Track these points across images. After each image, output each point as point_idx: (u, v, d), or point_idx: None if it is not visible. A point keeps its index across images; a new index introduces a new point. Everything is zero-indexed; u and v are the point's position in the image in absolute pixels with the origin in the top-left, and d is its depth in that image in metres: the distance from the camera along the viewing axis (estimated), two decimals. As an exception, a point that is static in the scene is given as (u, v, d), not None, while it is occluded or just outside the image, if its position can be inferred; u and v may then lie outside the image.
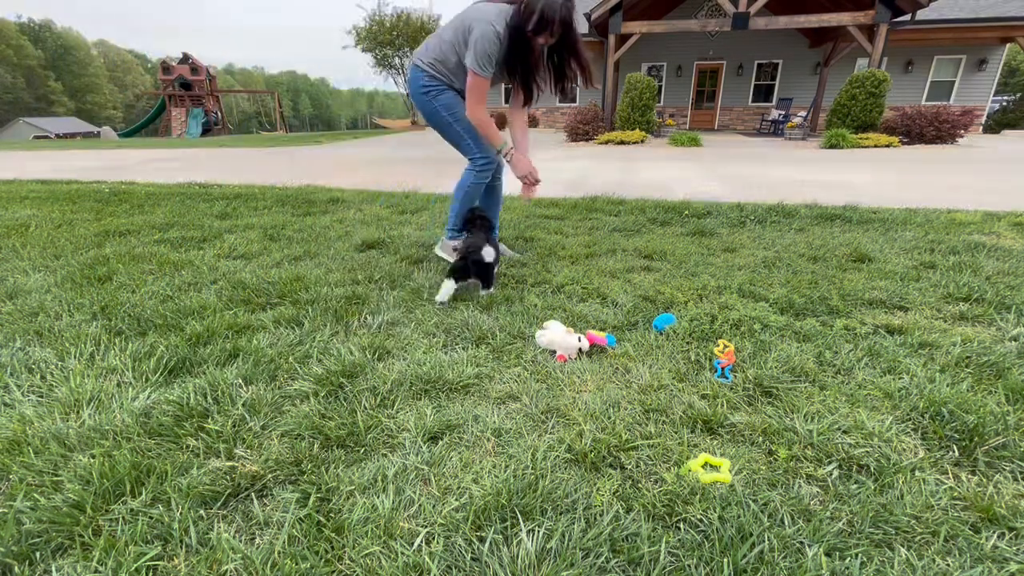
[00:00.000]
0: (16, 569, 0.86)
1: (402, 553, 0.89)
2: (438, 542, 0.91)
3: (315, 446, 1.16)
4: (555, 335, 1.59)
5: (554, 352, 1.59)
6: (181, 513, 0.96)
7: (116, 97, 65.38)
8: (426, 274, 2.34)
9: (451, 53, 2.10)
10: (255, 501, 1.01)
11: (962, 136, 11.03)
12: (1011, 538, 0.93)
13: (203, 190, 4.90)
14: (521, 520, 0.95)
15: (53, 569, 0.86)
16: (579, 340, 1.58)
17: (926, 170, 6.54)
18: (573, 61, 2.13)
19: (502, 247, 2.70)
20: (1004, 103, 26.18)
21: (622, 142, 11.18)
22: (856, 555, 0.88)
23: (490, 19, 1.93)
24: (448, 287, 1.97)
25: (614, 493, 1.03)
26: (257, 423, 1.24)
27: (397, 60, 24.52)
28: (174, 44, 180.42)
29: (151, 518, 0.96)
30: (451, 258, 2.26)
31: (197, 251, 2.74)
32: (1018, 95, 29.13)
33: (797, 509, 0.98)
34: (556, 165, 7.39)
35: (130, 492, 1.02)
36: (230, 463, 1.10)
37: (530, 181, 2.32)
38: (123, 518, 0.96)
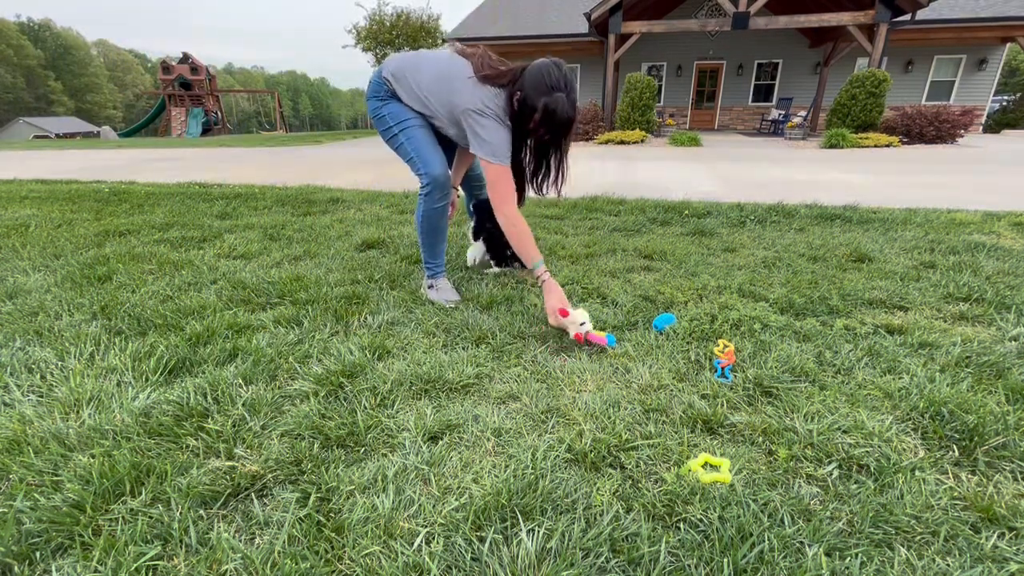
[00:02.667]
0: (16, 569, 0.86)
1: (402, 553, 0.89)
2: (438, 542, 0.91)
3: (315, 446, 1.16)
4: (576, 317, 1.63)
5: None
6: (181, 513, 0.96)
7: (116, 97, 65.39)
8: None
9: (420, 104, 1.88)
10: (255, 501, 1.01)
11: (962, 136, 11.03)
12: (1011, 538, 0.93)
13: (203, 190, 4.90)
14: (521, 520, 0.95)
15: (53, 569, 0.86)
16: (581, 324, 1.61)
17: (926, 170, 6.54)
18: (554, 160, 1.89)
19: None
20: (1004, 103, 26.16)
21: (622, 142, 11.18)
22: (856, 555, 0.88)
23: (482, 107, 1.71)
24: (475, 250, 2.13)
25: (614, 493, 1.03)
26: (257, 423, 1.24)
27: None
28: (174, 44, 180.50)
29: (151, 518, 0.96)
30: (444, 301, 2.00)
31: (197, 251, 2.74)
32: (1018, 95, 29.11)
33: (797, 509, 0.98)
34: (556, 165, 7.38)
35: (130, 492, 1.02)
36: (230, 463, 1.10)
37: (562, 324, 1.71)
38: (123, 518, 0.95)
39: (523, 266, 2.05)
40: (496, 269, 2.17)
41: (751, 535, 0.91)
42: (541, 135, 1.77)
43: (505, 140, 1.75)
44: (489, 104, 1.72)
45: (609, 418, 1.26)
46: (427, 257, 2.10)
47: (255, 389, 1.38)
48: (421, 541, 0.91)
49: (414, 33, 22.95)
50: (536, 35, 15.59)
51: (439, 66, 1.84)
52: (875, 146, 9.81)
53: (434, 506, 1.00)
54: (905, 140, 10.68)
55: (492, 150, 1.72)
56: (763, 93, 17.70)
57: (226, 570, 0.86)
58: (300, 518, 0.96)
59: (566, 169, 1.92)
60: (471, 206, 2.49)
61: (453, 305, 1.98)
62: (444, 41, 19.61)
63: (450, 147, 2.10)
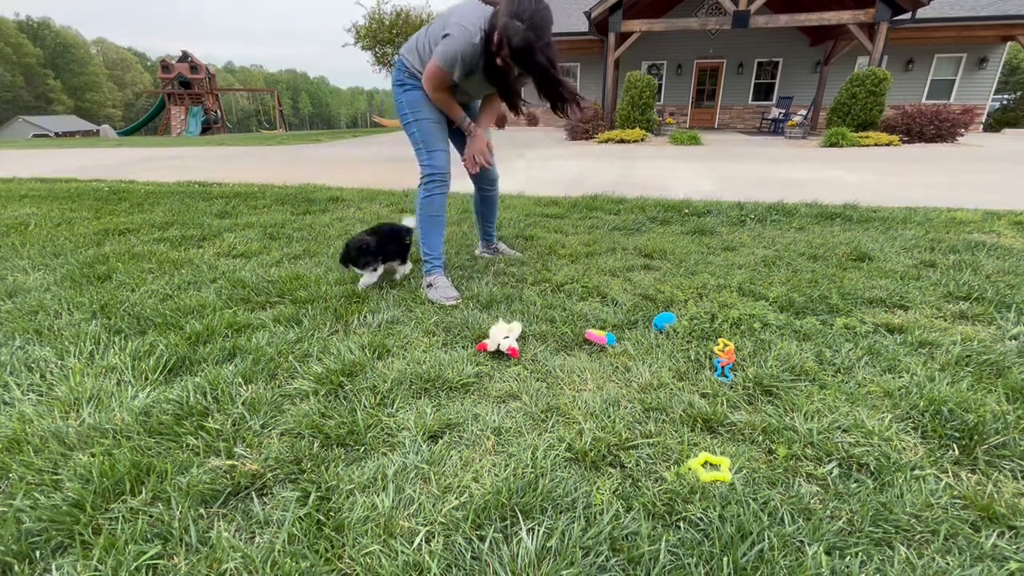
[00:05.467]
0: (16, 568, 0.86)
1: (402, 552, 0.89)
2: (438, 541, 0.91)
3: (315, 445, 1.16)
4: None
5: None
6: (181, 512, 0.96)
7: (115, 95, 65.25)
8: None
9: (427, 54, 1.96)
10: (255, 500, 1.01)
11: (962, 135, 11.01)
12: (1011, 536, 0.93)
13: (202, 189, 4.89)
14: (521, 519, 0.95)
15: (53, 568, 0.86)
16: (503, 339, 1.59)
17: (926, 169, 6.53)
18: (559, 88, 1.85)
19: (502, 246, 2.71)
20: (1004, 102, 26.16)
21: (622, 140, 11.16)
22: (856, 554, 0.88)
23: (466, 23, 1.77)
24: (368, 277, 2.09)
25: (614, 492, 1.03)
26: (257, 422, 1.24)
27: (397, 58, 24.49)
28: (174, 42, 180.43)
29: (151, 517, 0.96)
30: (442, 300, 2.01)
31: (196, 250, 2.74)
32: (1018, 93, 29.11)
33: (797, 508, 0.98)
34: (556, 164, 7.38)
35: (130, 491, 1.02)
36: (230, 462, 1.10)
37: (477, 161, 2.14)
38: (123, 517, 0.96)
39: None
40: (403, 270, 2.19)
41: (751, 534, 0.91)
42: (503, 57, 1.77)
43: (462, 55, 1.80)
44: (474, 22, 1.76)
45: (609, 417, 1.26)
46: (425, 249, 2.15)
47: (255, 388, 1.38)
48: (421, 540, 0.91)
49: (413, 31, 22.92)
50: (536, 33, 15.52)
51: (443, 12, 1.93)
52: (875, 145, 9.80)
53: (434, 505, 1.00)
54: (905, 139, 10.66)
55: (443, 54, 1.81)
56: (763, 92, 17.68)
57: (226, 569, 0.86)
58: (300, 517, 0.96)
59: (568, 94, 1.89)
60: (477, 214, 2.53)
61: (452, 303, 1.99)
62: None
63: (461, 139, 2.22)
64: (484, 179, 2.42)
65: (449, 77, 1.88)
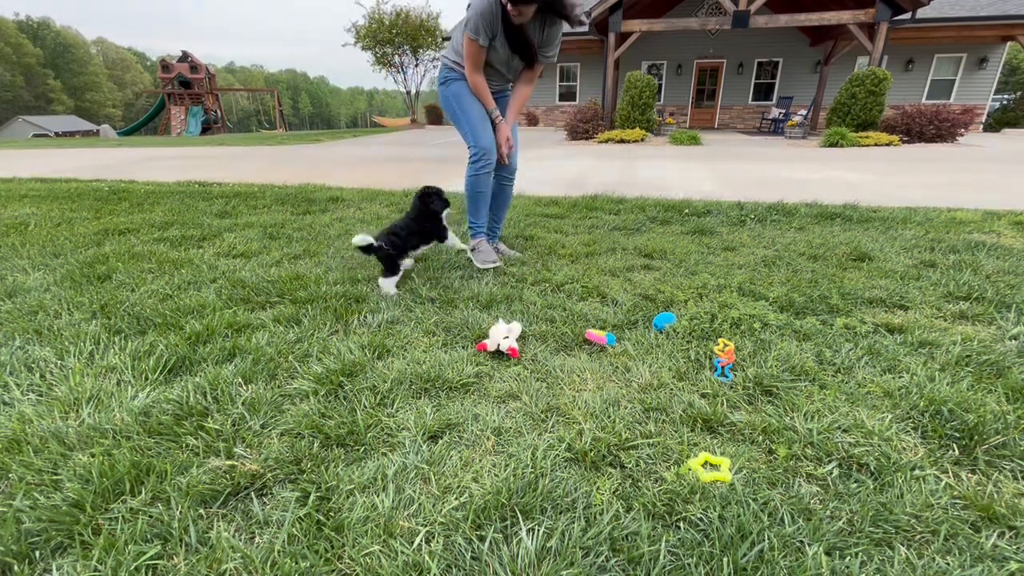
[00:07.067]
0: (16, 568, 0.86)
1: (402, 552, 0.89)
2: (438, 541, 0.91)
3: (315, 445, 1.16)
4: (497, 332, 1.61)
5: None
6: (181, 512, 0.96)
7: (115, 95, 65.19)
8: (426, 272, 2.34)
9: (460, 46, 2.21)
10: (255, 500, 1.01)
11: (962, 135, 11.02)
12: (1011, 537, 0.93)
13: (202, 189, 4.89)
14: (521, 519, 0.95)
15: (53, 568, 0.86)
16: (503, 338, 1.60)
17: (926, 169, 6.53)
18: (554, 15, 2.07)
19: (502, 246, 2.71)
20: (1004, 101, 26.18)
21: (622, 140, 11.16)
22: (856, 554, 0.88)
23: None
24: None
25: (614, 492, 1.03)
26: (257, 422, 1.24)
27: (397, 58, 24.45)
28: (173, 42, 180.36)
29: (151, 517, 0.96)
30: (480, 264, 2.37)
31: (196, 250, 2.74)
32: (1018, 93, 29.12)
33: (797, 508, 0.98)
34: (556, 164, 7.38)
35: (130, 491, 1.02)
36: (230, 462, 1.10)
37: (501, 148, 2.41)
38: (123, 517, 0.95)
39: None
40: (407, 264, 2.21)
41: (751, 534, 0.91)
42: (514, 6, 1.94)
43: (485, 17, 2.01)
44: None
45: (609, 417, 1.26)
46: (471, 219, 2.52)
47: (255, 388, 1.38)
48: (421, 540, 0.91)
49: (413, 32, 22.89)
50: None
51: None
52: (875, 145, 9.80)
53: (434, 505, 1.00)
54: (905, 139, 10.66)
55: (470, 23, 2.05)
56: (763, 92, 17.69)
57: (226, 569, 0.86)
58: (300, 517, 0.95)
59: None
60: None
61: (490, 266, 2.31)
62: (445, 40, 19.59)
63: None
64: (504, 167, 2.55)
65: (480, 48, 2.11)
